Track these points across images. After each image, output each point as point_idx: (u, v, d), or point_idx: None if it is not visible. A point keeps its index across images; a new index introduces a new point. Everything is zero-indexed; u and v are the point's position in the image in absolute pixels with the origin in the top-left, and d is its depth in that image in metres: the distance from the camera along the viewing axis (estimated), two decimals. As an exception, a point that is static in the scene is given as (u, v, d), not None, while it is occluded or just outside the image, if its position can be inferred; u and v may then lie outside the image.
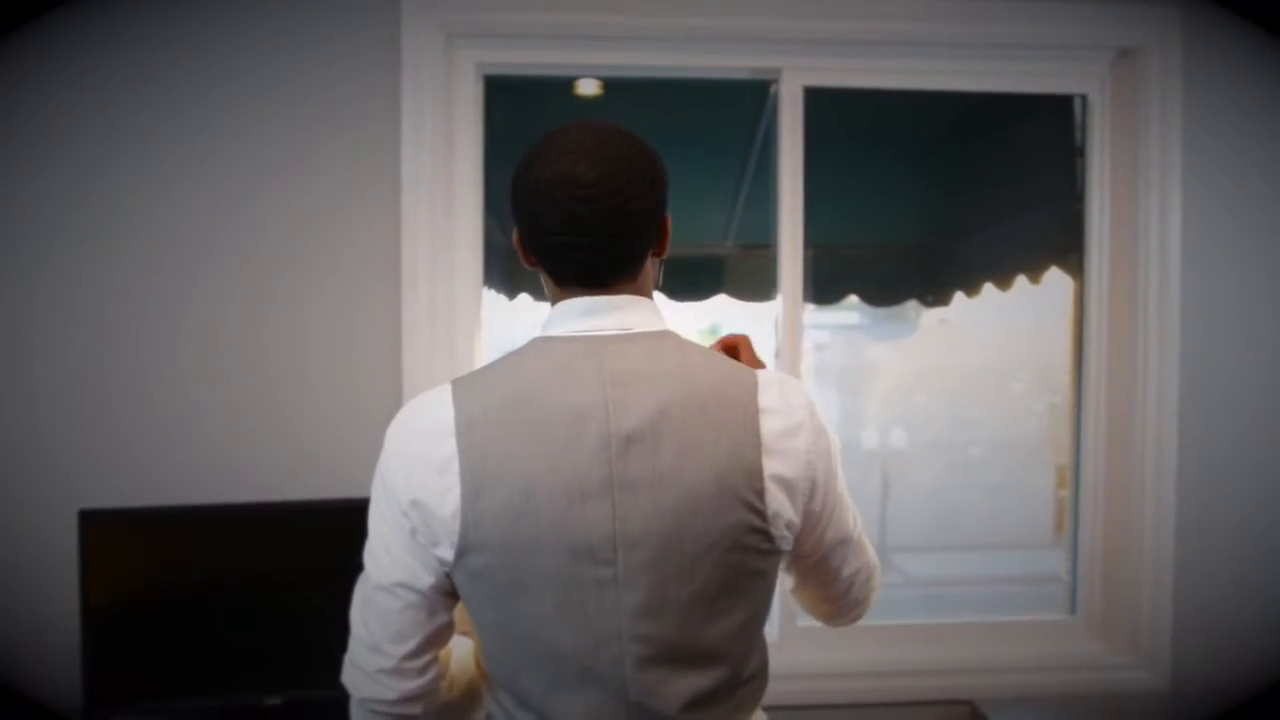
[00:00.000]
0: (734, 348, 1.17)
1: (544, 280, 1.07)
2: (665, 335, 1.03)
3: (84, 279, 1.86)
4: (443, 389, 1.01)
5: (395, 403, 1.90)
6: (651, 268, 1.07)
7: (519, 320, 2.12)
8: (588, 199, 0.96)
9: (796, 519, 1.01)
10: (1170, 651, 2.09)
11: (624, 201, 0.97)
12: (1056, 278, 2.24)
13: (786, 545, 1.02)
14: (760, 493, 0.98)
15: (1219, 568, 2.10)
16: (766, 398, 1.00)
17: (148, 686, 1.69)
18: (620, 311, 1.02)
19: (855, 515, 1.12)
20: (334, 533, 1.71)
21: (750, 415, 0.98)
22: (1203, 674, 2.10)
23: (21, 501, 1.85)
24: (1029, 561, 2.53)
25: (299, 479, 1.87)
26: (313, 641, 1.70)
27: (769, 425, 0.99)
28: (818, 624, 1.25)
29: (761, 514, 0.98)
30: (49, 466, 1.85)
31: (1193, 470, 2.08)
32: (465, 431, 0.96)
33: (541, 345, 1.02)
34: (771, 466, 0.98)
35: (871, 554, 1.16)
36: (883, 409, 2.51)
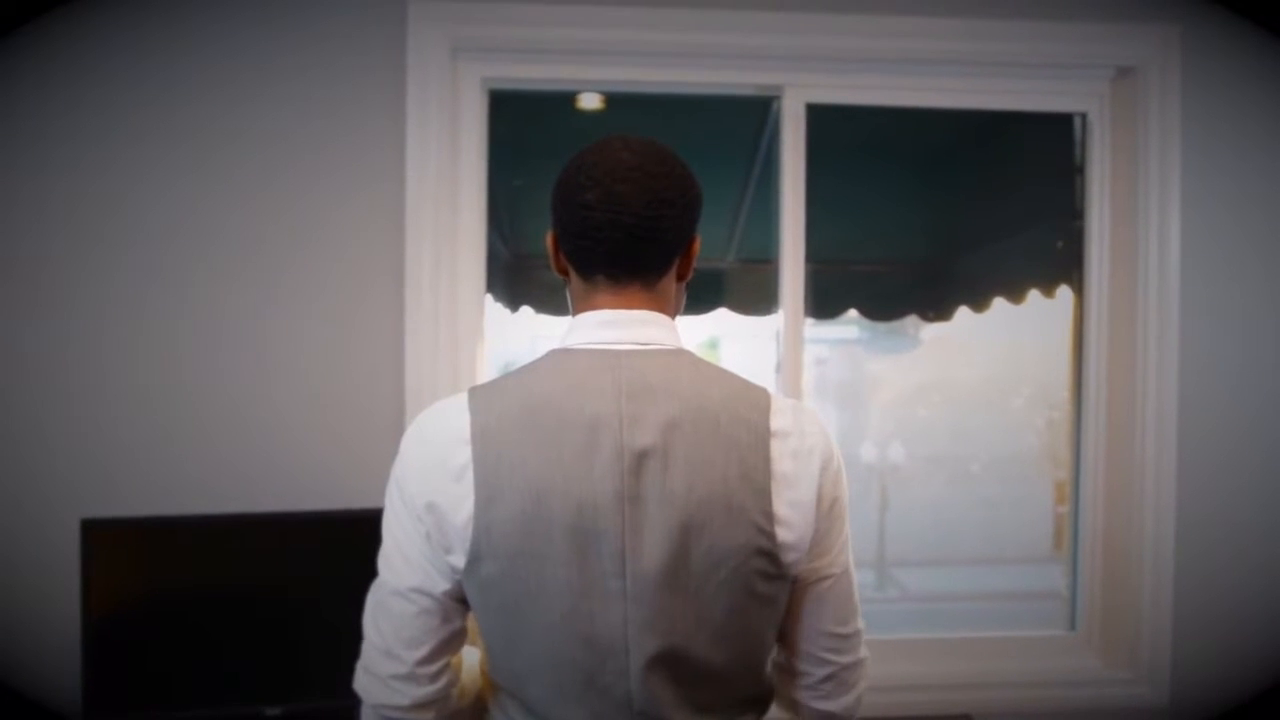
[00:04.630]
0: None
1: (570, 286, 1.08)
2: (681, 353, 1.03)
3: (83, 282, 1.86)
4: (459, 396, 1.01)
5: (398, 412, 1.91)
6: (674, 288, 1.08)
7: (521, 332, 2.13)
8: (628, 179, 0.99)
9: (803, 544, 1.00)
10: (1169, 667, 2.09)
11: (661, 188, 1.00)
12: (1057, 293, 2.24)
13: (794, 571, 1.02)
14: (769, 515, 0.97)
15: (1218, 583, 2.10)
16: (780, 421, 1.00)
17: (148, 695, 1.68)
18: (639, 326, 1.02)
19: (854, 581, 1.09)
20: (337, 543, 1.72)
21: (762, 437, 0.98)
22: (1202, 690, 2.10)
23: (23, 507, 1.85)
24: (1028, 577, 2.52)
25: (301, 487, 1.87)
26: (313, 652, 1.71)
27: (780, 448, 0.99)
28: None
29: (770, 536, 0.98)
30: (49, 471, 1.85)
31: (1192, 485, 2.09)
32: (480, 439, 0.96)
33: (559, 356, 1.02)
34: (781, 489, 0.98)
35: (863, 647, 1.12)
36: (882, 423, 2.51)
